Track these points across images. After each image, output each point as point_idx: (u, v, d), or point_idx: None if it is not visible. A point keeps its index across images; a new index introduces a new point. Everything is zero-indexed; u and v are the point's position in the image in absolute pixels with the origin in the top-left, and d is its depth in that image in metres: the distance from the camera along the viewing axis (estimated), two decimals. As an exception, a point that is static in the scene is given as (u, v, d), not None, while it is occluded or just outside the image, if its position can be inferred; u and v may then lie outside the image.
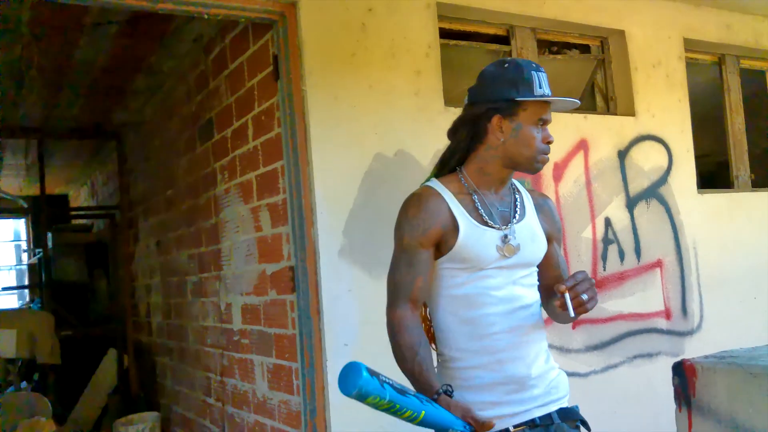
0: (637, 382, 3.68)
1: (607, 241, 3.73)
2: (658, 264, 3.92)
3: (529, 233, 1.77)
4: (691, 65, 4.25)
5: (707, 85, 4.68)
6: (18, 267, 12.76)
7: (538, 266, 1.83)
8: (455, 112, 3.14)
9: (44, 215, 6.68)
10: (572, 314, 1.58)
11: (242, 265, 3.52)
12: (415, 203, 1.74)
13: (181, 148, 4.44)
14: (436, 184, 1.77)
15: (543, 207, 1.87)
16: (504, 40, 3.63)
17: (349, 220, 2.90)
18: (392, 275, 1.75)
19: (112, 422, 4.68)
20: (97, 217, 6.95)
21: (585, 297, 1.57)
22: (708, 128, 4.65)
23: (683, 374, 1.42)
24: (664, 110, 4.01)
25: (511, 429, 1.68)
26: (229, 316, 3.69)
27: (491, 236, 1.71)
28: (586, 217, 3.67)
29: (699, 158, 4.19)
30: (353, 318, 2.85)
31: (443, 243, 1.72)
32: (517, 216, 1.77)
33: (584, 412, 3.52)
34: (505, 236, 1.72)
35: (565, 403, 1.78)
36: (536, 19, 3.61)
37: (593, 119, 3.76)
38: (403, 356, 1.65)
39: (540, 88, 1.71)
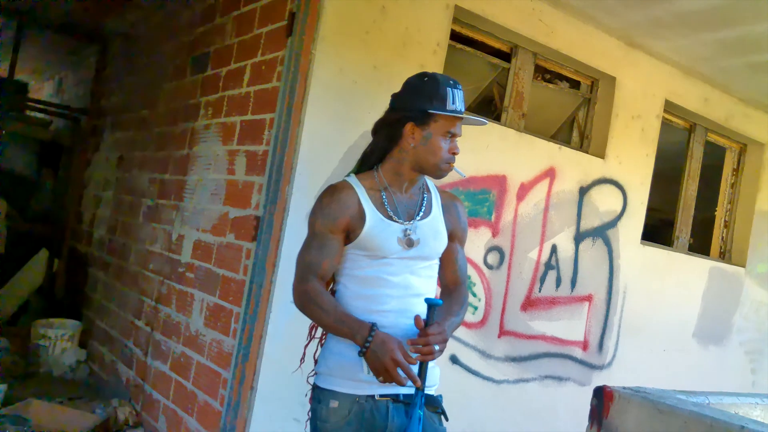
0: (542, 399, 3.93)
1: (548, 266, 3.95)
2: (588, 298, 4.17)
3: (432, 230, 1.98)
4: (664, 125, 4.51)
5: (673, 147, 4.96)
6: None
7: (440, 262, 2.05)
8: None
9: (6, 99, 6.51)
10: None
11: (205, 202, 3.59)
12: (329, 194, 1.97)
13: (169, 73, 4.43)
14: (352, 179, 2.00)
15: (450, 208, 2.07)
16: (506, 56, 3.79)
17: (324, 186, 3.01)
18: (302, 255, 1.97)
19: (32, 321, 4.67)
20: (60, 116, 6.80)
21: (436, 348, 1.81)
22: (662, 186, 4.93)
23: (602, 397, 1.61)
24: (632, 161, 4.25)
25: (377, 396, 1.88)
26: (179, 248, 3.76)
27: (394, 229, 1.92)
28: (536, 240, 3.87)
29: (648, 211, 4.46)
30: (305, 279, 2.97)
31: (351, 231, 1.93)
32: (422, 213, 1.98)
33: (490, 416, 3.77)
34: (406, 230, 1.92)
35: (431, 392, 1.97)
36: (540, 45, 3.77)
37: (566, 152, 3.96)
38: (326, 311, 1.87)
39: (453, 104, 1.91)
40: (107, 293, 4.80)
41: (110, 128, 5.50)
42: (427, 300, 1.87)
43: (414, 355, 1.82)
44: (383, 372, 1.78)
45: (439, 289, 2.14)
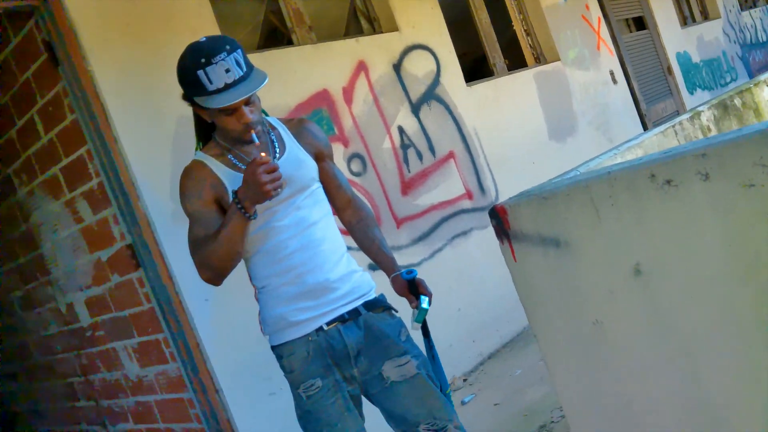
0: (460, 257, 4.22)
1: (405, 147, 4.15)
2: (451, 155, 4.43)
3: (294, 162, 1.98)
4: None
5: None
6: None
7: (323, 185, 2.07)
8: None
9: None
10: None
11: (72, 261, 3.46)
12: (183, 177, 1.96)
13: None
14: (198, 154, 1.99)
15: (301, 132, 2.06)
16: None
17: (173, 182, 2.98)
18: (189, 239, 1.94)
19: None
20: None
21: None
22: (462, 30, 5.21)
23: (497, 215, 1.80)
24: (422, 20, 4.45)
25: (325, 327, 1.96)
26: (74, 316, 3.63)
27: None
28: (382, 130, 4.04)
29: (461, 57, 4.72)
30: (205, 273, 2.99)
31: (221, 200, 1.93)
32: (277, 153, 1.98)
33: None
34: None
35: (370, 297, 2.04)
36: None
37: (364, 41, 4.08)
38: (213, 239, 1.83)
39: (212, 84, 1.78)
40: (30, 398, 4.57)
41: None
42: (405, 276, 2.05)
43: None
44: (265, 192, 1.74)
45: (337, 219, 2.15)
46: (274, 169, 1.76)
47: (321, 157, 2.09)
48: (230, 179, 1.92)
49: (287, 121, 2.10)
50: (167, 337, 3.01)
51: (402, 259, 3.91)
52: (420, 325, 2.06)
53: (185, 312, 2.92)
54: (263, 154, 1.77)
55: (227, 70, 1.78)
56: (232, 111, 1.84)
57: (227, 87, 1.79)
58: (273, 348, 2.03)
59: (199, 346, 2.92)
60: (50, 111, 3.12)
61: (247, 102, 1.85)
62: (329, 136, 3.72)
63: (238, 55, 1.82)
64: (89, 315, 3.50)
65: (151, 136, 2.98)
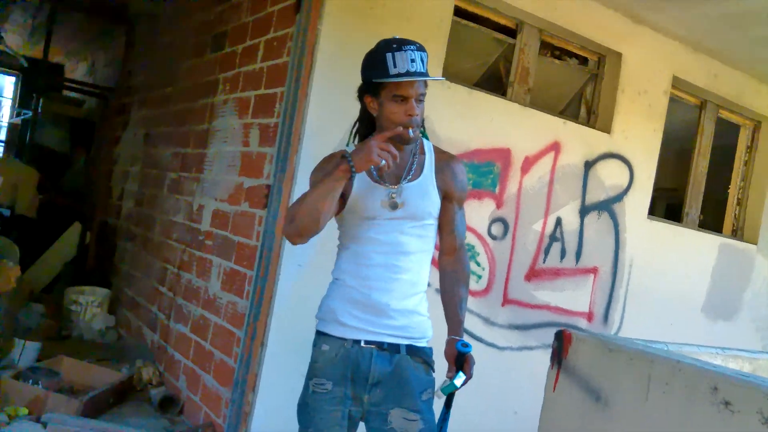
0: (542, 367, 4.05)
1: (553, 238, 4.07)
2: (594, 271, 4.27)
3: (419, 191, 2.05)
4: (674, 102, 4.56)
5: (688, 124, 5.00)
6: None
7: (439, 223, 2.13)
8: (448, 86, 3.43)
9: (41, 79, 6.80)
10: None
11: (222, 173, 3.79)
12: (325, 159, 2.13)
13: (189, 51, 4.63)
14: (349, 148, 2.10)
15: (445, 168, 2.12)
16: (512, 32, 3.89)
17: (330, 157, 3.18)
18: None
19: (65, 289, 4.95)
20: (91, 95, 7.09)
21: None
22: (680, 163, 4.98)
23: (562, 339, 1.76)
24: (638, 135, 4.33)
25: (363, 343, 2.02)
26: (199, 217, 3.97)
27: (379, 192, 2.03)
28: (540, 212, 3.99)
29: (668, 190, 4.48)
30: (312, 244, 3.11)
31: (345, 194, 2.03)
32: (410, 176, 2.06)
33: (493, 381, 3.87)
34: (391, 193, 2.02)
35: (419, 344, 2.07)
36: (545, 21, 3.87)
37: (571, 126, 4.05)
38: (308, 192, 1.98)
39: (395, 67, 1.91)
40: (134, 263, 5.06)
41: (137, 106, 5.74)
42: (458, 347, 2.04)
43: None
44: (373, 155, 1.86)
45: (437, 254, 2.21)
46: (387, 149, 1.88)
47: (449, 198, 2.14)
48: (359, 181, 2.03)
49: (440, 152, 2.17)
50: (252, 277, 3.21)
51: (490, 334, 3.85)
52: (444, 396, 2.05)
53: (277, 265, 3.10)
54: (388, 134, 1.90)
55: (412, 60, 1.93)
56: (403, 101, 1.95)
57: (408, 74, 1.92)
58: (317, 332, 2.11)
59: (272, 299, 3.08)
60: (274, 45, 3.44)
61: (418, 99, 1.98)
62: (489, 191, 3.75)
63: (424, 55, 1.97)
64: (210, 223, 3.81)
65: (336, 107, 3.17)
